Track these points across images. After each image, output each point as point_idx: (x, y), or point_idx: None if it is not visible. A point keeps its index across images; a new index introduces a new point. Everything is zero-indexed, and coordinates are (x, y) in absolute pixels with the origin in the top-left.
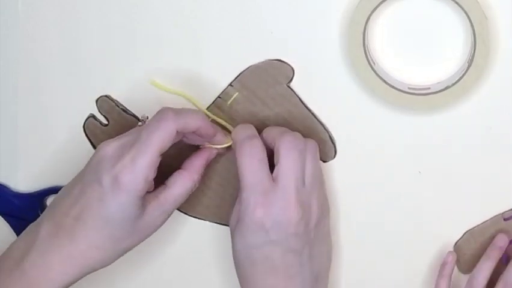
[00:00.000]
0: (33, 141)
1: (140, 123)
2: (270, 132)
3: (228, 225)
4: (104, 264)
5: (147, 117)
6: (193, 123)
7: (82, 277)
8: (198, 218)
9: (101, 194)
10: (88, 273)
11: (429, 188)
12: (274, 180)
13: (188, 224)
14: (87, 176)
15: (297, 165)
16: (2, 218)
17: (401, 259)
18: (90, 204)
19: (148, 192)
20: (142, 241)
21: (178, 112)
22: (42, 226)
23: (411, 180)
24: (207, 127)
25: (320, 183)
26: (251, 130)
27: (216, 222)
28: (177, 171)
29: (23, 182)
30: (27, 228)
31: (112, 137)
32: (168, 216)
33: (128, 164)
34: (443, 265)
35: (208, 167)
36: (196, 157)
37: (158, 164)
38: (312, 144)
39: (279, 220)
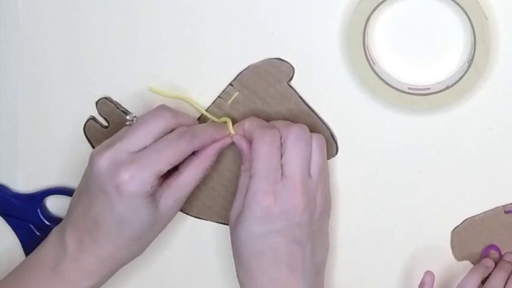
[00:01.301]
0: (33, 141)
1: (128, 122)
2: (275, 125)
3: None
4: (132, 258)
5: (135, 117)
6: (207, 142)
7: (113, 273)
8: (200, 218)
9: (109, 203)
10: (119, 268)
11: (429, 188)
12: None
13: (190, 224)
14: (91, 187)
15: (303, 156)
16: (2, 218)
17: (400, 258)
18: (102, 213)
19: (161, 184)
20: (160, 231)
21: (195, 135)
22: (67, 233)
23: (411, 180)
24: (221, 137)
25: (325, 177)
26: (266, 122)
27: (218, 222)
28: (190, 157)
29: (23, 182)
30: (52, 236)
31: None
32: (182, 203)
33: (134, 173)
34: (421, 285)
35: (210, 167)
36: (209, 147)
37: (163, 173)
38: (318, 138)
39: (285, 209)
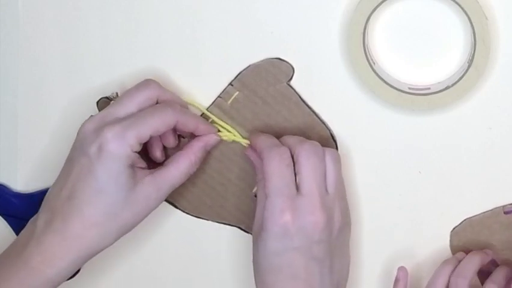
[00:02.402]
0: (33, 141)
1: (112, 101)
2: (286, 142)
3: (230, 225)
4: (102, 244)
5: (117, 94)
6: (191, 125)
7: (82, 262)
8: (201, 218)
9: (89, 165)
10: (87, 256)
11: (429, 188)
12: (297, 188)
13: (190, 224)
14: (73, 154)
15: (318, 171)
16: (2, 218)
17: (400, 258)
18: (80, 178)
19: (142, 168)
20: (138, 222)
21: (182, 110)
22: (40, 216)
23: (411, 180)
24: (205, 129)
25: (342, 192)
26: (275, 139)
27: (218, 222)
28: (175, 153)
29: (23, 182)
30: (29, 222)
31: None
32: (163, 197)
33: (118, 131)
34: (396, 281)
35: (211, 167)
36: (195, 140)
37: (145, 140)
38: (332, 152)
39: (304, 226)
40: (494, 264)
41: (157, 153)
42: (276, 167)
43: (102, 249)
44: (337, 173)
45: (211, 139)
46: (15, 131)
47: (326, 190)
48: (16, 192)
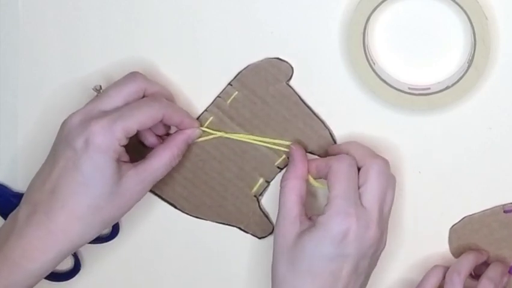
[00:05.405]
0: (33, 141)
1: (96, 93)
2: (358, 150)
3: (230, 225)
4: (85, 237)
5: (100, 87)
6: (177, 119)
7: (64, 256)
8: (201, 218)
9: (75, 159)
10: (70, 250)
11: (429, 188)
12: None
13: (190, 224)
14: (58, 147)
15: (383, 190)
16: (2, 218)
17: (400, 258)
18: (65, 172)
19: (126, 162)
20: (121, 215)
21: (169, 104)
22: (21, 210)
23: (411, 180)
24: (189, 123)
25: (388, 217)
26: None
27: (218, 222)
28: (158, 146)
29: (23, 182)
30: (9, 216)
31: None
32: (146, 189)
33: (105, 124)
34: None
35: (211, 167)
36: (178, 133)
37: (132, 134)
38: (393, 178)
39: (362, 236)
40: (486, 266)
41: (151, 140)
42: (346, 170)
43: (84, 243)
44: (393, 197)
45: (193, 132)
46: (15, 131)
47: (383, 210)
48: (16, 192)
